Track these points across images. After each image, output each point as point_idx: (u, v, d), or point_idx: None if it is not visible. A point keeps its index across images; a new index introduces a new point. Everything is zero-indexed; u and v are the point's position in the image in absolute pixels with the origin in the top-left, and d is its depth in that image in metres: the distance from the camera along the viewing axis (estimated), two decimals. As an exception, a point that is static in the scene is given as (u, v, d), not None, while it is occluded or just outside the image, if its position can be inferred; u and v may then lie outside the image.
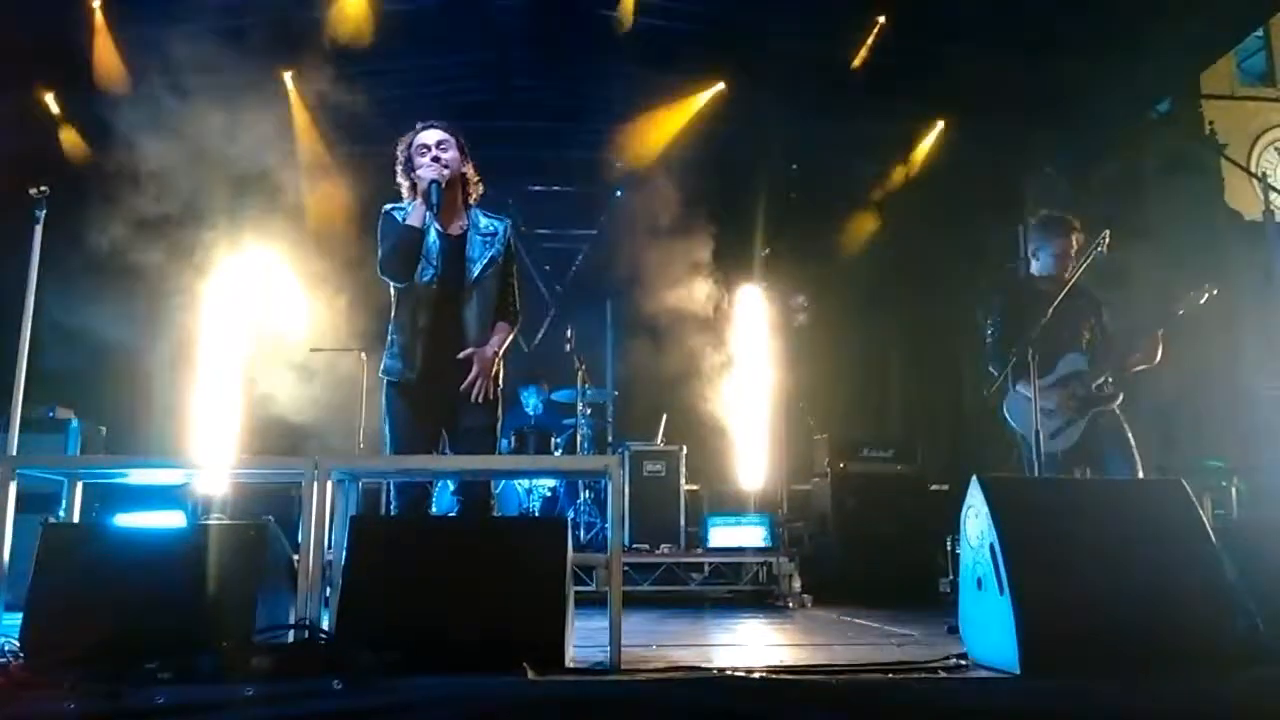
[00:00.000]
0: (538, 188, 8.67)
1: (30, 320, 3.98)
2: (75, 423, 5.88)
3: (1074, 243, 4.76)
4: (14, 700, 2.33)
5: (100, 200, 5.79)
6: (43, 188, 4.11)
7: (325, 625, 2.88)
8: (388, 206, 3.82)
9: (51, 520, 3.56)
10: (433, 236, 3.73)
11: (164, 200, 6.05)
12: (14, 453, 3.87)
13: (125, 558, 2.97)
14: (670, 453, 6.80)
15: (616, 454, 6.75)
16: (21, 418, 4.04)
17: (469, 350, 3.69)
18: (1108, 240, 4.37)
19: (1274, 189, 8.18)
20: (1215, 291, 4.48)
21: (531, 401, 7.75)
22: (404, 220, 3.71)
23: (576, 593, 3.35)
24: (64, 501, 3.35)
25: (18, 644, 2.75)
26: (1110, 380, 4.64)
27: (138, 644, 2.60)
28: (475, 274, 3.76)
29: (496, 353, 3.77)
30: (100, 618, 2.75)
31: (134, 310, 7.11)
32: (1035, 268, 4.85)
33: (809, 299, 7.70)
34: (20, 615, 2.82)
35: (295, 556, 2.97)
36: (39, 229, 4.06)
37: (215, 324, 7.77)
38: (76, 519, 3.26)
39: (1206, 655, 2.73)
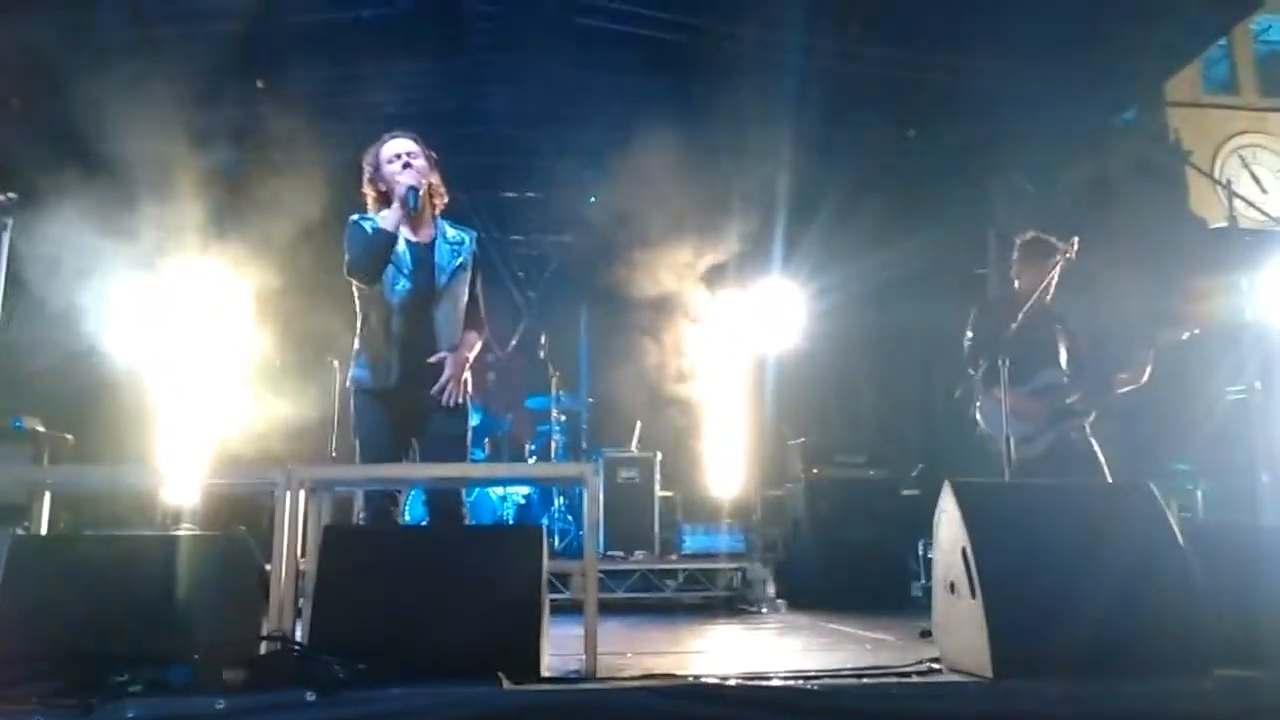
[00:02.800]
0: (510, 194, 8.65)
1: (-2, 328, 3.93)
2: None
3: (1057, 264, 4.85)
4: (-19, 715, 2.30)
5: (61, 203, 5.73)
6: (10, 194, 4.06)
7: (298, 636, 2.86)
8: (354, 216, 3.82)
9: (20, 532, 3.52)
10: (402, 245, 3.73)
11: (129, 204, 6.00)
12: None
13: (95, 569, 2.94)
14: (645, 459, 6.81)
15: (591, 461, 6.74)
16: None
17: (440, 355, 3.69)
18: (1076, 247, 4.44)
19: (1238, 196, 8.30)
20: (1197, 332, 4.60)
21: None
22: (373, 229, 3.71)
23: (551, 600, 3.34)
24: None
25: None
26: (1083, 398, 4.73)
27: (108, 656, 2.57)
28: (444, 281, 3.76)
29: (467, 358, 3.78)
30: (69, 630, 2.72)
31: (99, 317, 7.03)
32: (1018, 285, 4.94)
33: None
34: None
35: (267, 566, 2.95)
36: (6, 236, 4.01)
37: (184, 331, 7.70)
38: (44, 530, 3.21)
39: (1176, 656, 2.77)
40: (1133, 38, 6.46)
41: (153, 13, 6.04)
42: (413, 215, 3.68)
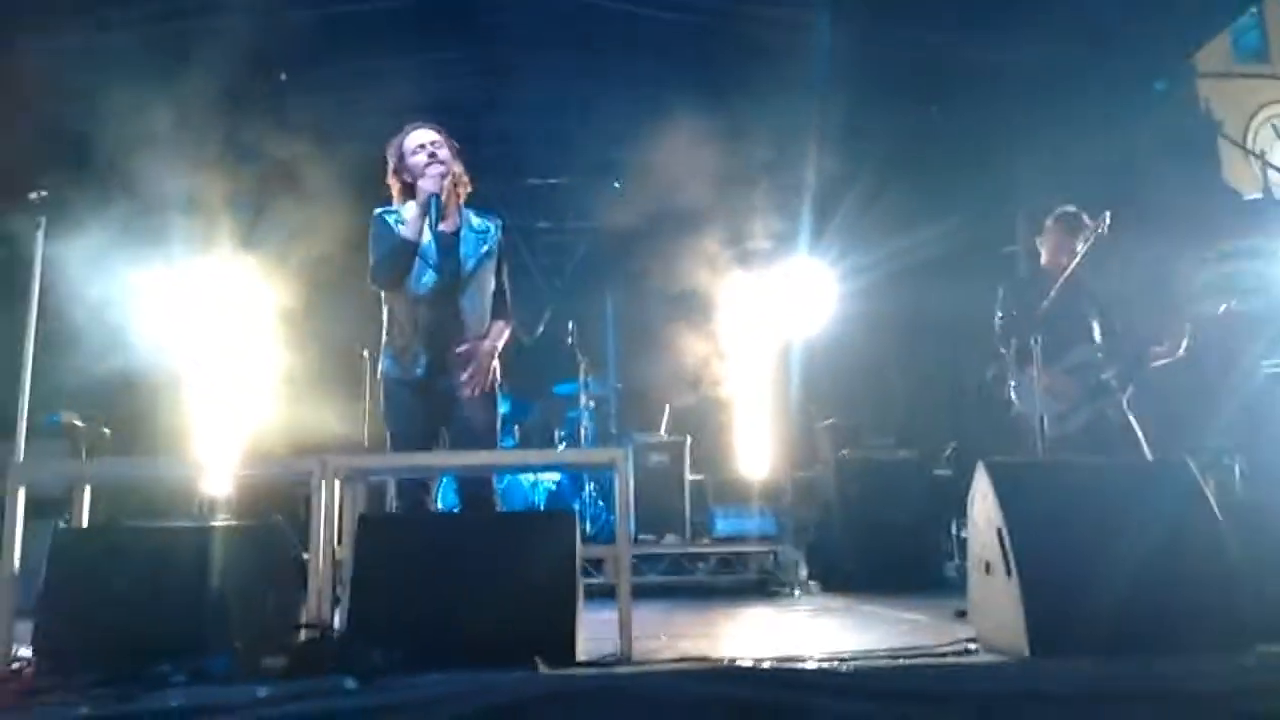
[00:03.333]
0: (534, 181, 8.65)
1: (34, 325, 3.98)
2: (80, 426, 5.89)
3: (1082, 240, 4.79)
4: (27, 705, 2.35)
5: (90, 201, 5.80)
6: (42, 192, 4.11)
7: (336, 623, 2.89)
8: (378, 210, 3.82)
9: (61, 525, 3.58)
10: (427, 235, 3.72)
11: (157, 200, 6.07)
12: (21, 459, 3.87)
13: (135, 561, 2.98)
14: (674, 443, 6.82)
15: (621, 446, 6.75)
16: (27, 423, 4.05)
17: (466, 345, 3.69)
18: (1108, 222, 4.39)
19: (1272, 166, 8.14)
20: (1233, 304, 4.54)
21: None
22: (396, 224, 3.71)
23: (584, 585, 3.36)
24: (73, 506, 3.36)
25: (30, 649, 2.76)
26: (1118, 373, 4.68)
27: (149, 646, 2.61)
28: (470, 269, 3.76)
29: (495, 346, 3.78)
30: (111, 621, 2.77)
31: (132, 312, 7.12)
32: (1044, 259, 4.90)
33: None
34: (32, 620, 2.83)
35: (304, 555, 2.98)
36: (40, 234, 4.06)
37: (216, 324, 7.78)
38: (85, 523, 3.26)
39: (1215, 633, 2.74)
40: (1161, 7, 6.35)
41: (176, 7, 6.07)
42: (434, 224, 3.67)
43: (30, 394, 4.01)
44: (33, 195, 4.12)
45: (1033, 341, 4.32)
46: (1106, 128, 7.42)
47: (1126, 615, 2.76)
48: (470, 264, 3.76)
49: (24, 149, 5.70)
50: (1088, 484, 3.14)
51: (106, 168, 5.96)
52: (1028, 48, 6.51)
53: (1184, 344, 4.60)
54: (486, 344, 3.75)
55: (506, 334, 3.88)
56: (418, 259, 3.70)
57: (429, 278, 3.71)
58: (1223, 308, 4.61)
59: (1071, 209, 4.88)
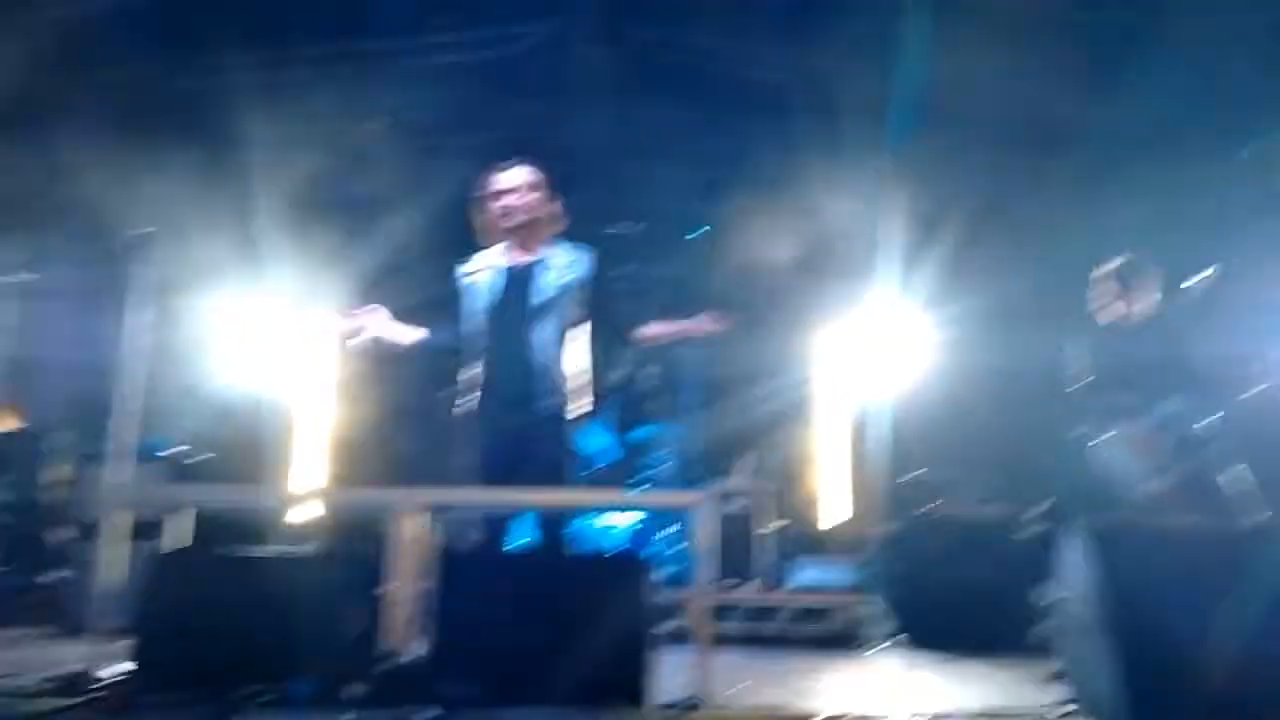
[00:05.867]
0: (614, 229, 8.74)
1: (138, 354, 4.13)
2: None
3: (1155, 289, 4.69)
4: (125, 719, 2.42)
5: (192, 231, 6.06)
6: (150, 229, 4.28)
7: (416, 655, 2.91)
8: (458, 270, 3.89)
9: (161, 548, 3.69)
10: (499, 273, 3.78)
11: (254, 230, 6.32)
12: (125, 483, 4.02)
13: (228, 585, 3.06)
14: (755, 490, 6.75)
15: (701, 491, 6.71)
16: (128, 449, 4.20)
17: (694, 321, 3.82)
18: (1211, 277, 4.27)
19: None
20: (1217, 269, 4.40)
21: (599, 440, 7.68)
22: (466, 282, 3.82)
23: (660, 630, 3.33)
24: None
25: (128, 665, 2.85)
26: (1211, 421, 4.49)
27: (239, 667, 2.67)
28: (543, 299, 3.74)
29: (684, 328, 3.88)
30: (204, 641, 2.84)
31: (227, 342, 7.40)
32: (1119, 310, 4.78)
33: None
34: (131, 638, 2.92)
35: (388, 586, 3.02)
36: (145, 267, 4.21)
37: (305, 358, 8.02)
38: (183, 547, 3.36)
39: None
40: (1258, 66, 6.19)
41: (279, 51, 6.34)
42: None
43: (135, 420, 4.14)
44: (141, 231, 4.28)
45: (1118, 398, 4.19)
46: (1203, 186, 7.24)
47: (1228, 684, 2.61)
48: (545, 295, 3.75)
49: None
50: (1187, 545, 3.01)
51: (208, 200, 6.23)
52: (1124, 104, 6.40)
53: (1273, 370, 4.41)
54: (673, 324, 3.87)
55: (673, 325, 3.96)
56: (489, 295, 3.75)
57: (499, 311, 3.74)
58: (1210, 272, 4.41)
59: (1125, 260, 4.78)
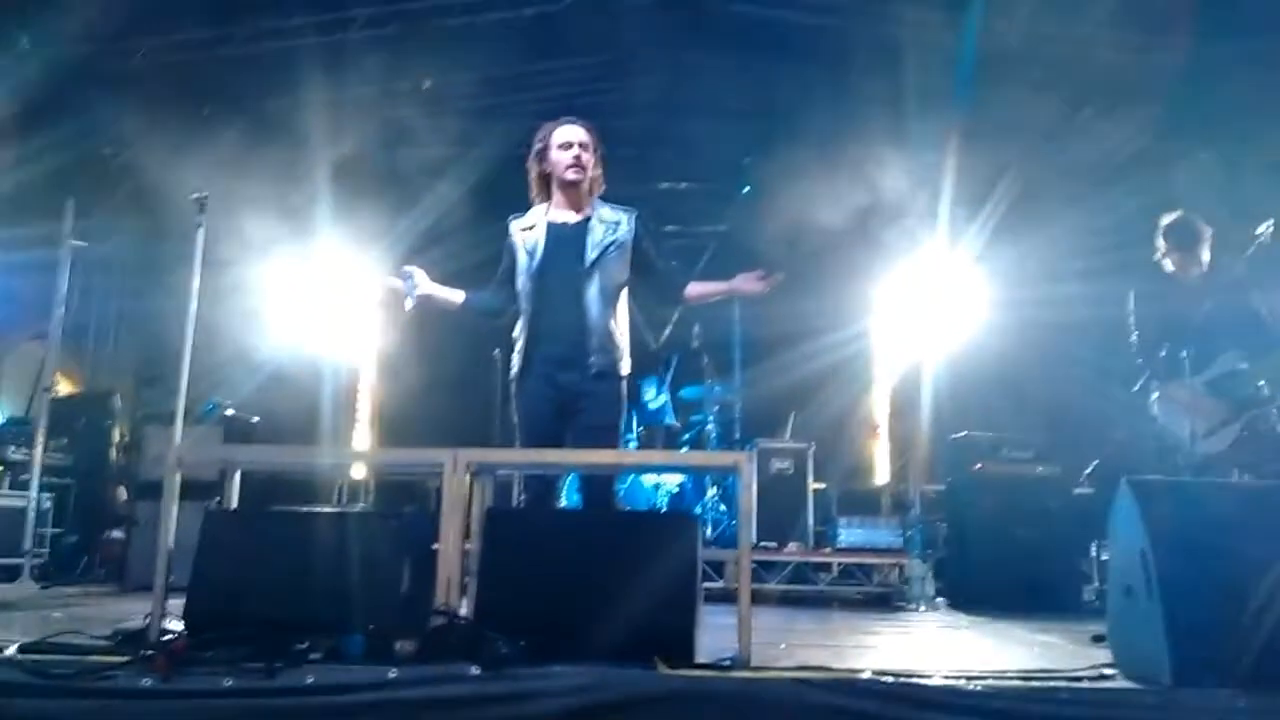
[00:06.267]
0: (664, 185, 8.70)
1: (194, 319, 4.23)
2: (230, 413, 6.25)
3: (1205, 248, 4.56)
4: (177, 675, 2.50)
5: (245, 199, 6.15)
6: (203, 194, 4.36)
7: (463, 612, 2.97)
8: (511, 219, 3.88)
9: (213, 507, 3.79)
10: (546, 232, 3.76)
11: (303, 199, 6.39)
12: (178, 444, 4.13)
13: (279, 543, 3.13)
14: (799, 450, 6.75)
15: (745, 451, 6.72)
16: (185, 412, 4.31)
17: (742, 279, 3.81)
18: (1271, 230, 4.14)
19: None
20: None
21: (652, 393, 7.70)
22: (513, 241, 3.83)
23: (704, 588, 3.35)
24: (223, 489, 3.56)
25: (181, 622, 2.94)
26: (1269, 381, 4.38)
27: (290, 624, 2.74)
28: (593, 259, 3.71)
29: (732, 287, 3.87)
30: (256, 599, 2.91)
31: (283, 306, 7.52)
32: (1168, 267, 4.66)
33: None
34: (184, 596, 3.01)
35: (435, 545, 3.08)
36: (201, 232, 4.30)
37: (354, 322, 8.13)
38: (235, 506, 3.45)
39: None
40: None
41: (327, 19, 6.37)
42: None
43: (188, 383, 4.24)
44: (194, 195, 4.36)
45: (1176, 354, 4.10)
46: (1267, 131, 6.99)
47: (1275, 648, 2.57)
48: (594, 254, 3.72)
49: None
50: (1239, 505, 2.95)
51: (259, 171, 6.30)
52: (1183, 48, 6.18)
53: None
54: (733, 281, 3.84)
55: (711, 283, 3.95)
56: (542, 253, 3.73)
57: (551, 270, 3.71)
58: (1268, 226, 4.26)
59: (1177, 218, 4.64)
